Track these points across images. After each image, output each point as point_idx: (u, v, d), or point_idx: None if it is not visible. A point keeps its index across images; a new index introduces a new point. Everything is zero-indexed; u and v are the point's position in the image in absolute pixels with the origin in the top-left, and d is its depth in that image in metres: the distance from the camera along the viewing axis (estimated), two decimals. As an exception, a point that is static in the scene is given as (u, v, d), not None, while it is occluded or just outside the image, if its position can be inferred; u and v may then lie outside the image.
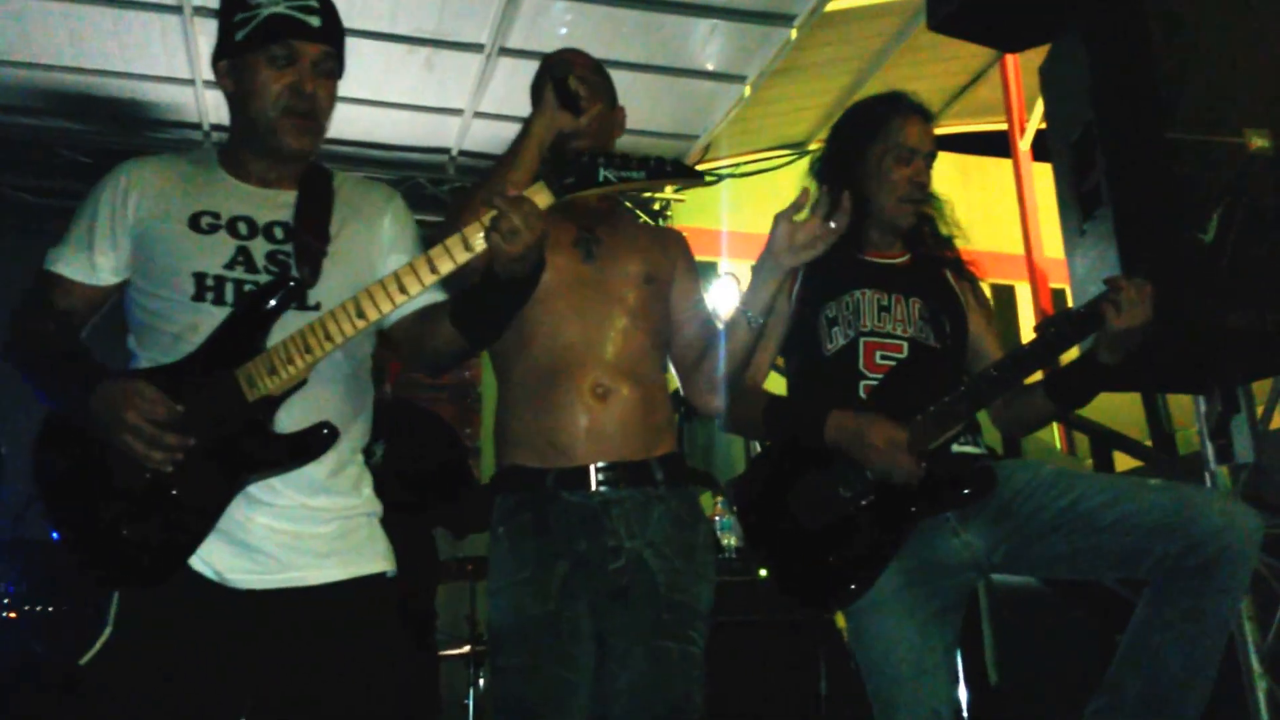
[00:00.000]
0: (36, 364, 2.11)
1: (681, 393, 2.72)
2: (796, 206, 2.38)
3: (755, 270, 2.45)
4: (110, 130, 6.83)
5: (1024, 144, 7.25)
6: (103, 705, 1.97)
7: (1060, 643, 4.43)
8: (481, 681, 5.17)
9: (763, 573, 4.80)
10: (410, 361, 2.33)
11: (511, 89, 6.33)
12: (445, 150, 7.37)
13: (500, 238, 1.95)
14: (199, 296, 2.09)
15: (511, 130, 2.37)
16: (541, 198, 2.00)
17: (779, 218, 2.38)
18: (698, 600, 2.47)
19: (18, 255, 3.42)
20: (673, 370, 2.72)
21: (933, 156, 2.75)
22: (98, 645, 1.96)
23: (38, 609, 4.97)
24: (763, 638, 4.79)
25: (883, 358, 2.62)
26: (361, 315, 2.06)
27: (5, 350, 2.13)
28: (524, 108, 2.54)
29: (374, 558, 2.18)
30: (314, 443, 2.06)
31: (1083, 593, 4.50)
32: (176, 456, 1.95)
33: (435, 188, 7.46)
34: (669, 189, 8.05)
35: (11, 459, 4.94)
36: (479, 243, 2.01)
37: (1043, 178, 5.83)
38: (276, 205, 2.22)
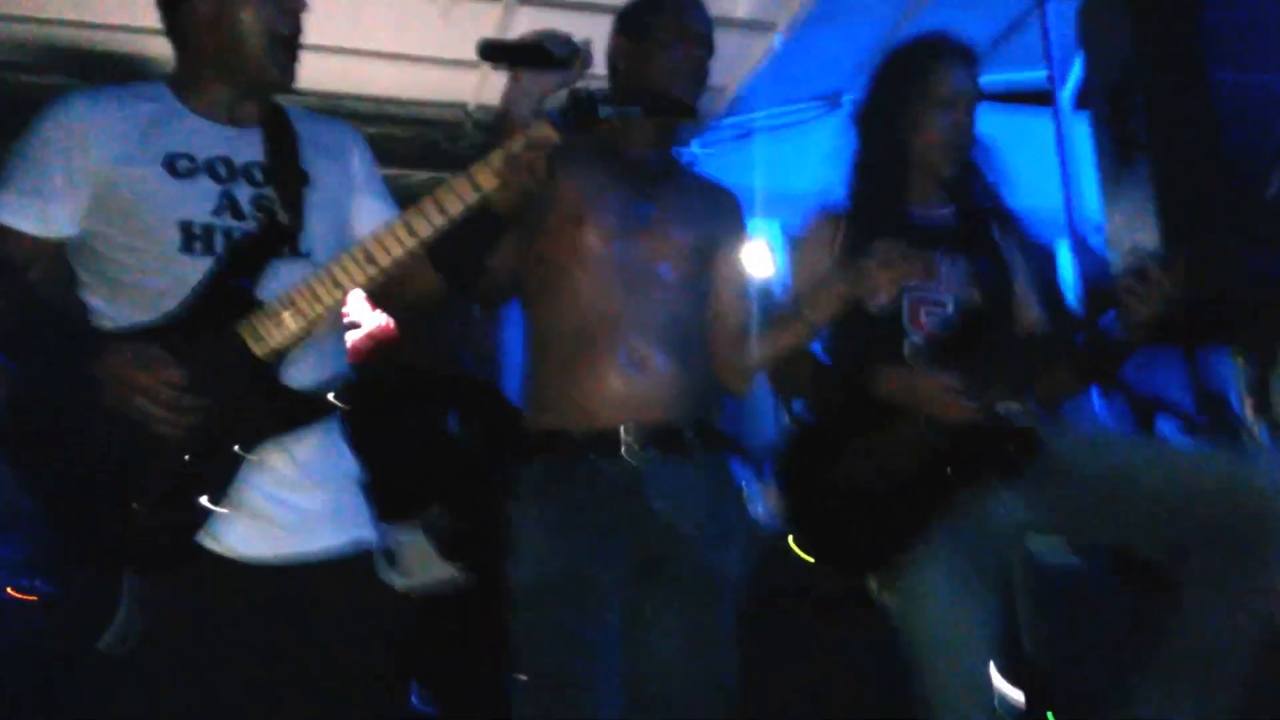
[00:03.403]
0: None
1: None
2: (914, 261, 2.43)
3: (827, 289, 2.51)
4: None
5: (1064, 94, 6.97)
6: (145, 696, 1.86)
7: (1100, 622, 4.33)
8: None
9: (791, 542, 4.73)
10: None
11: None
12: (462, 105, 7.14)
13: (532, 161, 2.02)
14: (187, 247, 1.96)
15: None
16: (549, 133, 2.15)
17: (878, 260, 2.42)
18: (729, 569, 2.46)
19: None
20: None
21: (977, 101, 2.64)
22: (115, 627, 1.85)
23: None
24: (790, 613, 4.71)
25: (928, 315, 2.58)
26: (372, 261, 1.97)
27: None
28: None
29: (364, 524, 2.11)
30: (331, 397, 1.99)
31: (1122, 568, 4.40)
32: (190, 421, 1.81)
33: (452, 144, 7.27)
34: (694, 145, 7.89)
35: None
36: (487, 180, 2.01)
37: (1085, 130, 5.62)
38: (249, 144, 2.09)
